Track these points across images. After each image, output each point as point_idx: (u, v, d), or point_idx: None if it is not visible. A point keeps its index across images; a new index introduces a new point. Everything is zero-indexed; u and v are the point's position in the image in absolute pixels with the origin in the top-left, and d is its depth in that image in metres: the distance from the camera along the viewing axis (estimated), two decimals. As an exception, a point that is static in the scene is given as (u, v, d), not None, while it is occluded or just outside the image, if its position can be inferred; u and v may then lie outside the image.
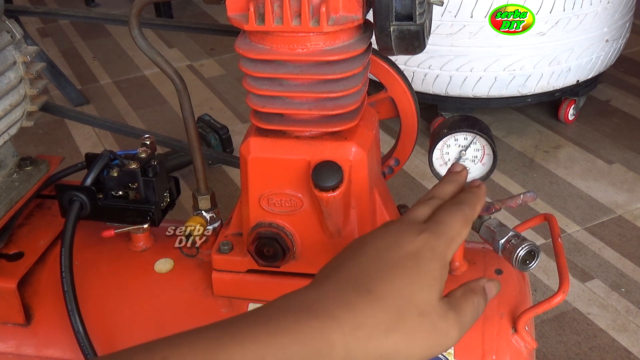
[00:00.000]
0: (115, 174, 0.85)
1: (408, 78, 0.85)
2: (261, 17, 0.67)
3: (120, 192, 0.86)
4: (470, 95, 2.26)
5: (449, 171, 0.70)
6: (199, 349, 0.47)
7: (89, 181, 0.85)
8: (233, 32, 0.83)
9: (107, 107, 2.79)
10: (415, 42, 0.67)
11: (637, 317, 1.68)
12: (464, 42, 2.16)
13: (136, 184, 0.85)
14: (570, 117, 2.49)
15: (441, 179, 0.71)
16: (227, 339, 0.48)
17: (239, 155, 0.76)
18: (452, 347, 0.76)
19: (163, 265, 0.87)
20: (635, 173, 2.24)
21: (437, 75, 2.23)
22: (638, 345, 1.61)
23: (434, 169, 0.78)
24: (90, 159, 0.87)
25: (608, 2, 2.22)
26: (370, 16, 0.69)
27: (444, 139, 0.77)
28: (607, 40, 2.30)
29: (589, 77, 2.36)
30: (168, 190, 0.89)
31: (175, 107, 2.69)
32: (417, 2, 0.64)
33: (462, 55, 2.18)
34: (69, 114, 1.15)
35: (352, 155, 0.72)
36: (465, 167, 0.69)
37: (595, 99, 2.66)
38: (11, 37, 0.88)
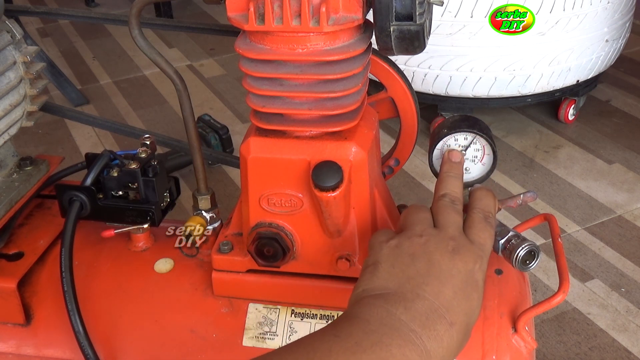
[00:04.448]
0: (115, 174, 0.85)
1: (408, 78, 0.85)
2: (261, 17, 0.67)
3: (120, 192, 0.86)
4: (470, 95, 2.26)
5: (448, 161, 0.76)
6: None
7: (89, 181, 0.85)
8: (233, 32, 0.83)
9: (107, 107, 2.79)
10: (415, 42, 0.67)
11: (637, 317, 1.68)
12: (464, 42, 2.16)
13: (136, 184, 0.85)
14: (570, 117, 2.49)
15: (443, 170, 0.75)
16: None
17: (239, 155, 0.76)
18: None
19: (163, 265, 0.87)
20: (635, 173, 2.24)
21: (437, 75, 2.23)
22: (638, 345, 1.61)
23: (434, 169, 0.78)
24: (90, 159, 0.87)
25: (608, 2, 2.22)
26: (370, 16, 0.69)
27: (444, 139, 0.77)
28: (607, 40, 2.30)
29: (589, 77, 2.36)
30: (168, 190, 0.89)
31: (175, 107, 2.69)
32: (417, 2, 0.64)
33: (462, 55, 2.18)
34: (69, 114, 1.15)
35: (352, 155, 0.72)
36: (461, 153, 0.76)
37: (595, 99, 2.66)
38: (11, 37, 0.88)
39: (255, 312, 0.82)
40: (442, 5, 0.72)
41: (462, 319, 0.62)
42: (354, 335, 0.58)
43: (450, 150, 0.76)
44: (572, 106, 2.46)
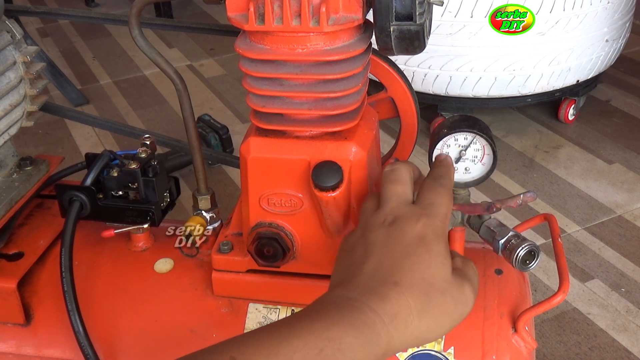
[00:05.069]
0: (115, 174, 0.85)
1: (408, 78, 0.85)
2: (261, 17, 0.67)
3: (120, 192, 0.86)
4: (470, 95, 2.26)
5: (438, 161, 0.73)
6: (262, 347, 0.52)
7: (89, 181, 0.85)
8: (233, 32, 0.83)
9: (107, 107, 2.79)
10: (415, 42, 0.67)
11: (637, 317, 1.68)
12: (464, 42, 2.16)
13: (136, 184, 0.85)
14: (570, 117, 2.49)
15: (433, 165, 0.73)
16: (287, 335, 0.53)
17: (239, 155, 0.76)
18: (452, 347, 0.76)
19: (163, 265, 0.87)
20: (635, 173, 2.24)
21: (437, 75, 2.23)
22: (638, 345, 1.61)
23: (434, 169, 0.78)
24: (90, 159, 0.87)
25: (608, 2, 2.22)
26: (370, 16, 0.69)
27: (444, 139, 0.77)
28: (607, 40, 2.30)
29: (589, 77, 2.36)
30: (168, 190, 0.89)
31: (175, 107, 2.69)
32: (417, 2, 0.64)
33: (462, 55, 2.18)
34: (69, 114, 1.15)
35: (352, 155, 0.72)
36: (448, 155, 0.74)
37: (595, 99, 2.66)
38: (11, 37, 0.88)
39: (255, 312, 0.82)
40: (442, 5, 0.72)
41: (410, 276, 0.58)
42: (301, 313, 0.56)
43: (439, 155, 0.74)
44: (572, 106, 2.46)
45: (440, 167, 0.70)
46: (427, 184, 0.66)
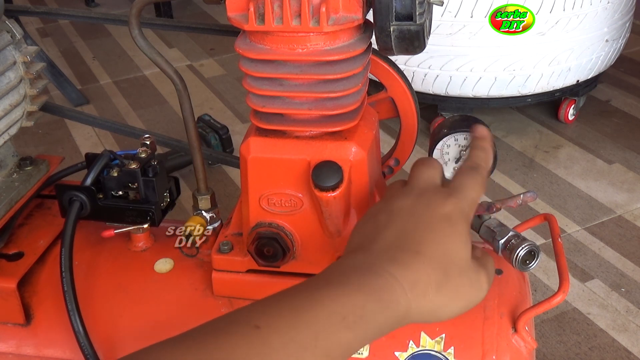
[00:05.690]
0: (115, 174, 0.85)
1: (408, 78, 0.85)
2: (261, 17, 0.67)
3: (120, 192, 0.86)
4: (470, 95, 2.26)
5: (475, 138, 0.71)
6: (286, 316, 0.52)
7: (89, 181, 0.85)
8: (233, 32, 0.83)
9: (107, 107, 2.79)
10: (415, 42, 0.67)
11: (637, 317, 1.68)
12: (464, 42, 2.16)
13: (136, 184, 0.85)
14: (570, 117, 2.49)
15: (472, 146, 0.70)
16: (310, 303, 0.53)
17: (239, 155, 0.76)
18: (452, 347, 0.76)
19: (163, 265, 0.87)
20: (635, 173, 2.24)
21: (437, 75, 2.23)
22: (638, 345, 1.61)
23: (434, 169, 0.78)
24: (90, 159, 0.87)
25: (608, 2, 2.22)
26: (370, 16, 0.69)
27: (444, 139, 0.77)
28: (607, 40, 2.30)
29: (589, 77, 2.36)
30: (168, 190, 0.89)
31: (175, 107, 2.68)
32: (417, 2, 0.64)
33: (462, 55, 2.18)
34: (69, 114, 1.15)
35: (352, 155, 0.72)
36: (487, 128, 0.71)
37: (595, 99, 2.66)
38: (11, 37, 0.88)
39: (255, 312, 0.82)
40: (442, 5, 0.72)
41: (432, 248, 0.58)
42: (322, 277, 0.57)
43: (478, 128, 0.72)
44: (572, 106, 2.46)
45: (480, 151, 0.68)
46: (462, 169, 0.66)
